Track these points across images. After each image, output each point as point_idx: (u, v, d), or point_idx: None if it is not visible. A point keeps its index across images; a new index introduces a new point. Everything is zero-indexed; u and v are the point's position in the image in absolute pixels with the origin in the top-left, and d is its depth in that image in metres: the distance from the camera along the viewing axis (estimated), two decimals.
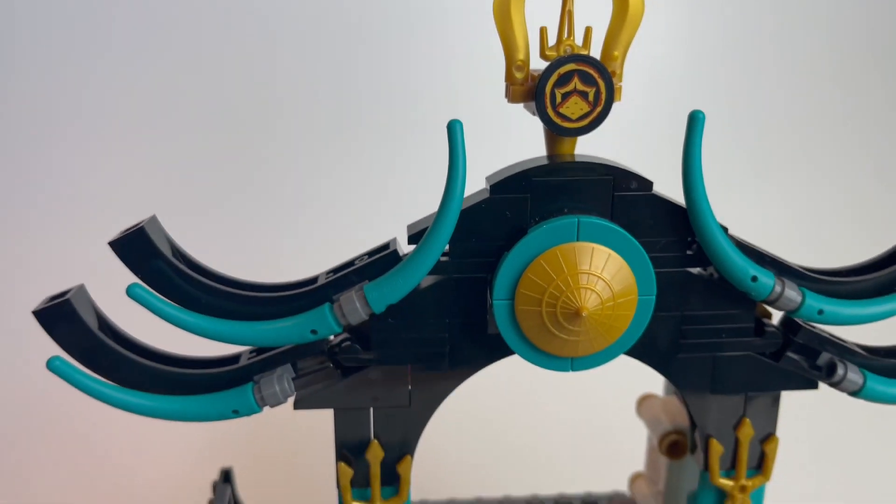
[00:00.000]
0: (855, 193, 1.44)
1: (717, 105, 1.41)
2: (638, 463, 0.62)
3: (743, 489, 0.48)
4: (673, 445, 0.53)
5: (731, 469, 0.48)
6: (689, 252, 0.44)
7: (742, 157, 1.41)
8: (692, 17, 1.46)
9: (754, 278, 0.43)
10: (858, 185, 1.46)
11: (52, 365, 0.40)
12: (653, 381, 0.55)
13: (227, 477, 0.58)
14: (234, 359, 0.45)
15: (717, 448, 0.48)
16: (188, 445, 0.91)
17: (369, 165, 1.24)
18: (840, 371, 0.45)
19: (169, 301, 0.41)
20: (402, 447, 0.46)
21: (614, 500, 0.62)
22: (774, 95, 1.46)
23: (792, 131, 1.46)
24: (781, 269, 0.44)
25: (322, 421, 0.51)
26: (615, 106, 0.41)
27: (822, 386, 0.47)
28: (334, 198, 1.23)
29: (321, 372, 0.45)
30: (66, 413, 0.96)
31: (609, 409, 0.72)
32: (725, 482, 0.48)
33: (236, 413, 0.43)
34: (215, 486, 0.57)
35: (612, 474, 0.66)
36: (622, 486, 0.64)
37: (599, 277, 0.40)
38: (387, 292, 0.41)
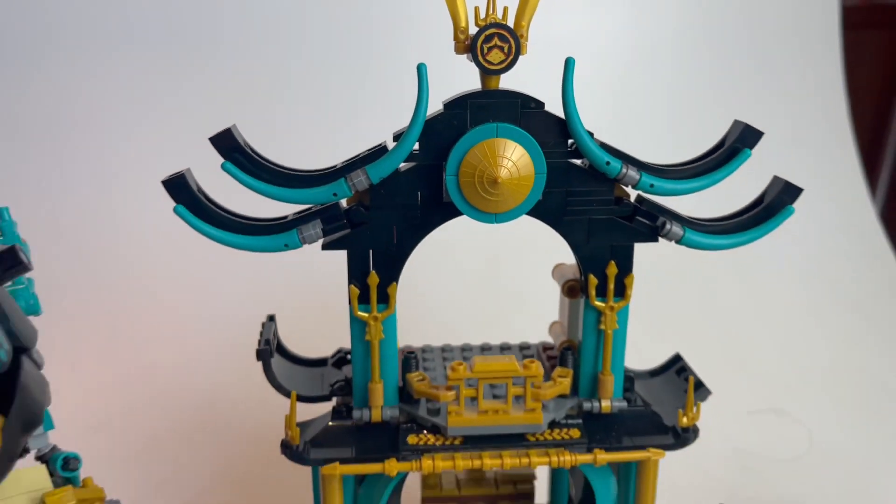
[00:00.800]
0: None
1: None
2: (555, 315, 0.88)
3: (611, 308, 0.74)
4: (571, 289, 0.79)
5: (603, 296, 0.74)
6: (569, 149, 0.70)
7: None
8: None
9: (608, 163, 0.68)
10: None
11: (177, 210, 0.66)
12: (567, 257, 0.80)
13: (272, 318, 0.84)
14: (285, 217, 0.71)
15: (593, 281, 0.73)
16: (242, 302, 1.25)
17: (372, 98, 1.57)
18: (668, 226, 0.71)
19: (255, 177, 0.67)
20: (390, 276, 0.72)
21: (542, 345, 0.88)
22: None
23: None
24: (628, 159, 0.70)
25: (338, 274, 0.76)
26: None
27: None
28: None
29: (339, 225, 0.70)
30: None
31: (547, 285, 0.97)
32: (599, 304, 0.74)
33: (286, 246, 0.69)
34: (263, 324, 0.83)
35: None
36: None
37: (509, 159, 0.66)
38: (380, 169, 0.67)
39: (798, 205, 0.73)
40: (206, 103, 1.57)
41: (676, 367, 0.87)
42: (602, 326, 0.75)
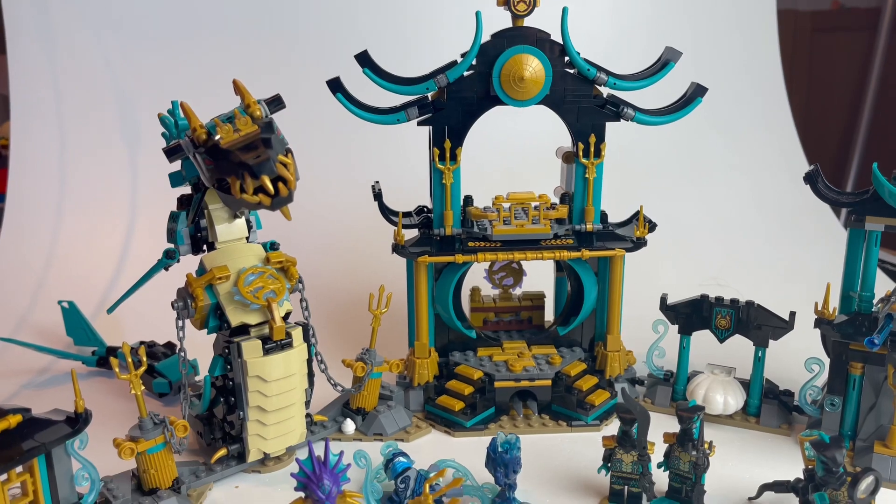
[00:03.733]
0: None
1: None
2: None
3: (592, 164, 1.20)
4: (567, 157, 1.25)
5: (586, 156, 1.20)
6: (566, 62, 1.16)
7: None
8: None
9: (588, 70, 1.15)
10: None
11: (337, 97, 1.13)
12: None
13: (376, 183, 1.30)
14: (396, 106, 1.18)
15: (581, 147, 1.20)
16: None
17: None
18: (625, 110, 1.17)
19: None
20: (457, 143, 1.18)
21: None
22: None
23: None
24: (600, 69, 1.16)
25: None
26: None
27: None
28: None
29: (428, 109, 1.16)
30: None
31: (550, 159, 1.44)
32: (585, 161, 1.20)
33: (398, 120, 1.15)
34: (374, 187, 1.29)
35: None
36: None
37: (530, 66, 1.13)
38: (453, 74, 1.14)
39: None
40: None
41: (636, 217, 1.33)
42: (587, 175, 1.21)
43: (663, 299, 1.25)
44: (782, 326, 1.17)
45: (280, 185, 0.85)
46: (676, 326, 1.25)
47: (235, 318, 1.03)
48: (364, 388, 1.18)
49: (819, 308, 1.07)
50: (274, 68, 1.95)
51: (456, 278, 1.23)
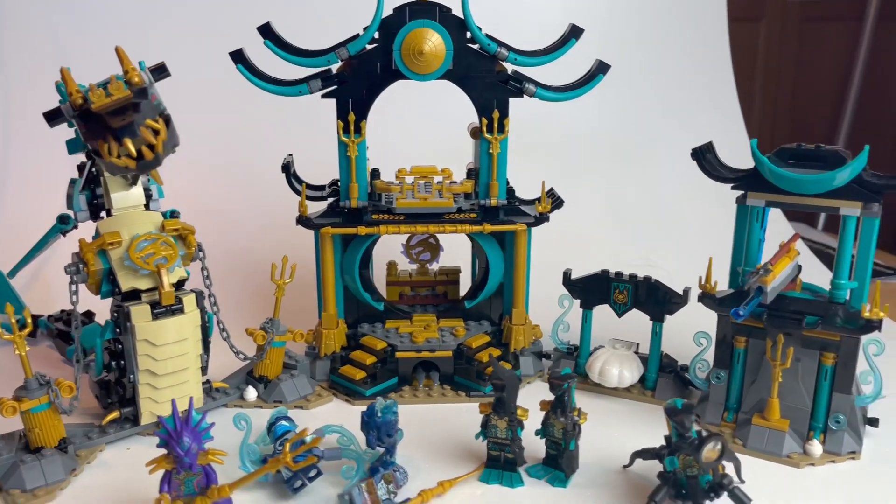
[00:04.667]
0: None
1: None
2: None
3: (496, 139, 1.22)
4: (474, 131, 1.26)
5: (490, 131, 1.22)
6: (468, 42, 1.17)
7: None
8: None
9: (489, 45, 1.16)
10: None
11: (238, 68, 1.14)
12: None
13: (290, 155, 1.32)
14: (300, 78, 1.19)
15: (485, 122, 1.21)
16: None
17: None
18: (527, 87, 1.19)
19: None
20: (361, 116, 1.19)
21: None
22: None
23: None
24: (501, 44, 1.17)
25: None
26: None
27: None
28: None
29: (331, 82, 1.18)
30: None
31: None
32: (489, 136, 1.21)
33: (300, 92, 1.16)
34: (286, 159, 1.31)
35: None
36: None
37: (430, 40, 1.14)
38: (354, 47, 1.15)
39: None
40: None
41: (549, 192, 1.34)
42: (491, 151, 1.22)
43: (566, 274, 1.27)
44: (677, 301, 1.19)
45: (144, 149, 0.86)
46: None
47: (126, 282, 1.04)
48: (266, 356, 1.20)
49: (702, 282, 1.09)
50: (200, 37, 1.94)
51: (362, 250, 1.25)
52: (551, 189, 1.34)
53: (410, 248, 1.41)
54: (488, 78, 1.19)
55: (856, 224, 1.01)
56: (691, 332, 1.17)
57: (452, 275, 1.41)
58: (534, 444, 1.03)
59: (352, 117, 1.19)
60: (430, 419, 1.16)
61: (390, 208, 1.22)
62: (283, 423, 1.02)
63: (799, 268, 1.07)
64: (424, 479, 1.00)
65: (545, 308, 1.32)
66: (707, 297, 1.08)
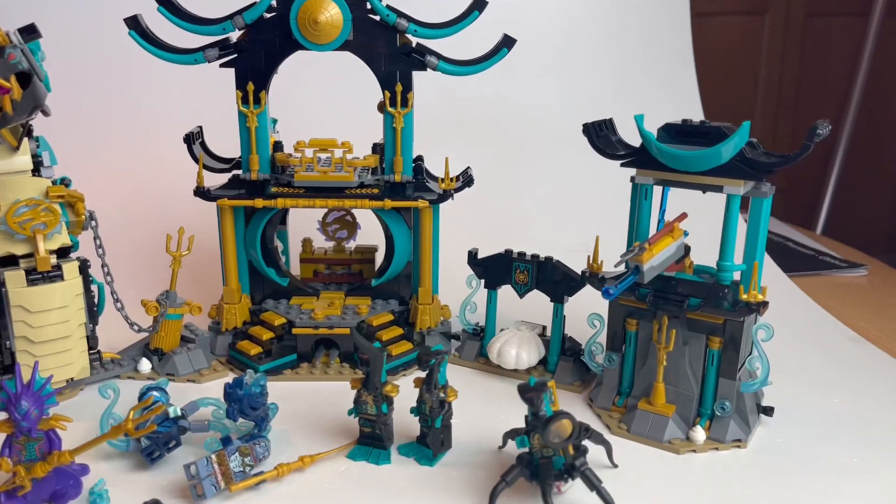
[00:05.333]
0: None
1: None
2: None
3: (399, 113, 1.19)
4: (380, 106, 1.24)
5: (393, 105, 1.19)
6: (368, 13, 1.14)
7: None
8: None
9: (388, 16, 1.13)
10: None
11: (131, 34, 1.12)
12: None
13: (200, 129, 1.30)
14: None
15: (387, 95, 1.18)
16: None
17: None
18: (427, 57, 1.16)
19: None
20: (261, 86, 1.17)
21: None
22: None
23: None
24: (402, 15, 1.15)
25: None
26: None
27: None
28: None
29: (230, 51, 1.16)
30: None
31: None
32: (392, 110, 1.19)
33: (195, 61, 1.14)
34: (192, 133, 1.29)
35: None
36: None
37: (327, 10, 1.11)
38: (250, 15, 1.13)
39: None
40: None
41: (464, 172, 1.31)
42: (395, 125, 1.20)
43: (471, 254, 1.24)
44: (575, 283, 1.16)
45: None
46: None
47: (2, 247, 1.03)
48: (160, 328, 1.19)
49: (590, 261, 1.06)
50: None
51: (263, 224, 1.23)
52: (466, 168, 1.31)
53: (327, 225, 1.39)
54: (390, 50, 1.17)
55: (762, 204, 0.98)
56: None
57: (368, 253, 1.39)
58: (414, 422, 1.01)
59: (251, 87, 1.17)
60: (320, 396, 1.14)
61: (290, 181, 1.20)
62: (155, 393, 1.01)
63: (687, 248, 1.04)
64: (293, 454, 0.98)
65: (465, 289, 1.29)
66: (592, 277, 1.05)
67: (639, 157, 1.01)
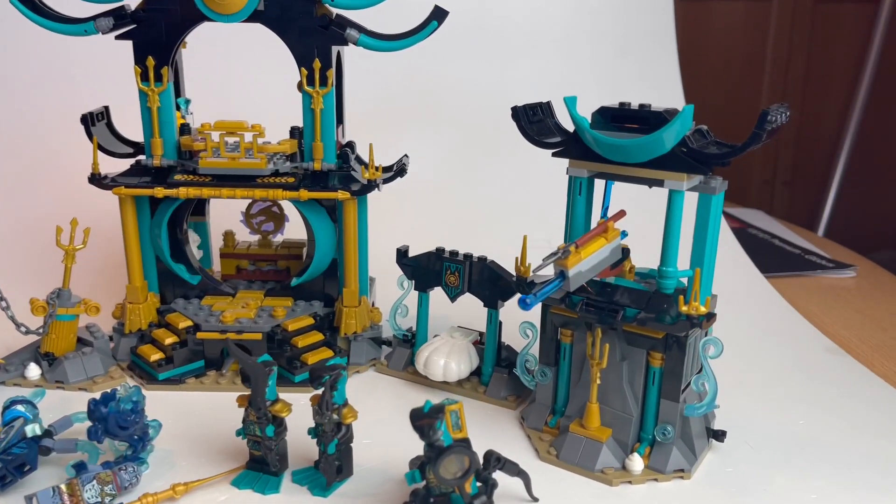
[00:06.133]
0: None
1: None
2: None
3: (318, 93, 1.06)
4: (299, 85, 1.11)
5: (311, 84, 1.06)
6: None
7: None
8: None
9: None
10: None
11: (12, 2, 1.00)
12: None
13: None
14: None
15: (304, 72, 1.06)
16: None
17: None
18: (347, 31, 1.03)
19: None
20: (163, 61, 1.05)
21: None
22: None
23: None
24: None
25: None
26: None
27: None
28: None
29: (126, 21, 1.03)
30: None
31: None
32: (309, 89, 1.06)
33: (86, 31, 1.02)
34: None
35: None
36: None
37: None
38: None
39: None
40: None
41: (399, 161, 1.19)
42: (313, 106, 1.07)
43: (400, 252, 1.12)
44: (510, 286, 1.03)
45: None
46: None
47: None
48: (50, 330, 1.07)
49: (517, 264, 0.93)
50: None
51: (168, 215, 1.11)
52: (402, 157, 1.18)
53: (251, 217, 1.27)
54: (306, 22, 1.04)
55: (709, 202, 0.84)
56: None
57: (295, 248, 1.27)
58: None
59: (150, 62, 1.05)
60: (223, 410, 1.01)
61: (195, 168, 1.08)
62: (19, 407, 0.89)
63: (626, 251, 0.91)
64: (174, 479, 0.86)
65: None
66: (520, 282, 0.92)
67: (572, 146, 0.88)
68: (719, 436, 0.93)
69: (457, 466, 0.71)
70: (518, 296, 0.82)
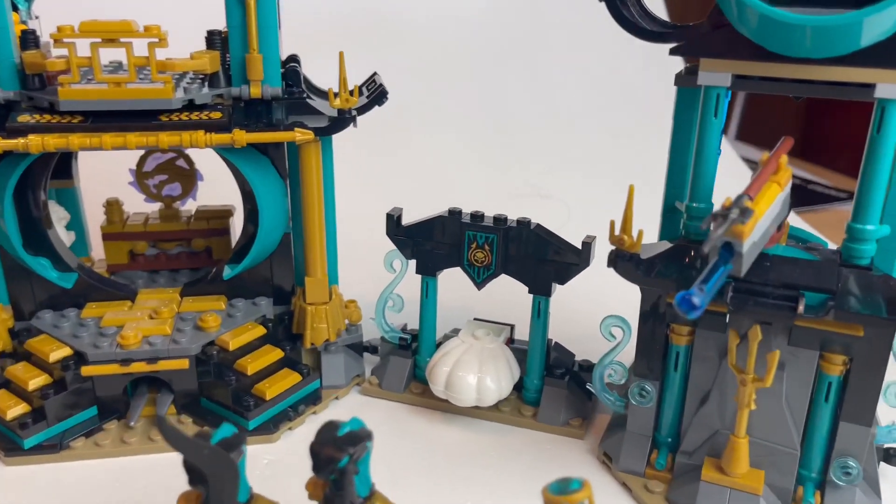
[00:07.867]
0: None
1: None
2: None
3: None
4: None
5: None
6: None
7: None
8: None
9: None
10: None
11: None
12: None
13: None
14: None
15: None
16: None
17: None
18: None
19: None
20: None
21: None
22: None
23: None
24: None
25: None
26: None
27: None
28: None
29: None
30: None
31: None
32: None
33: None
34: None
35: None
36: None
37: None
38: None
39: None
40: None
41: (371, 84, 0.81)
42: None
43: (392, 218, 0.75)
44: (573, 262, 0.70)
45: None
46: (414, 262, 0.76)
47: None
48: None
49: (616, 233, 0.60)
50: None
51: (14, 179, 0.68)
52: (373, 75, 0.80)
53: (144, 177, 0.85)
54: None
55: None
56: (595, 313, 0.70)
57: (217, 220, 0.87)
58: None
59: None
60: (144, 478, 0.64)
61: (52, 102, 0.66)
62: None
63: (789, 207, 0.59)
64: None
65: (385, 275, 0.80)
66: (623, 260, 0.59)
67: (703, 39, 0.55)
68: (891, 458, 0.66)
69: None
70: (687, 291, 0.47)
